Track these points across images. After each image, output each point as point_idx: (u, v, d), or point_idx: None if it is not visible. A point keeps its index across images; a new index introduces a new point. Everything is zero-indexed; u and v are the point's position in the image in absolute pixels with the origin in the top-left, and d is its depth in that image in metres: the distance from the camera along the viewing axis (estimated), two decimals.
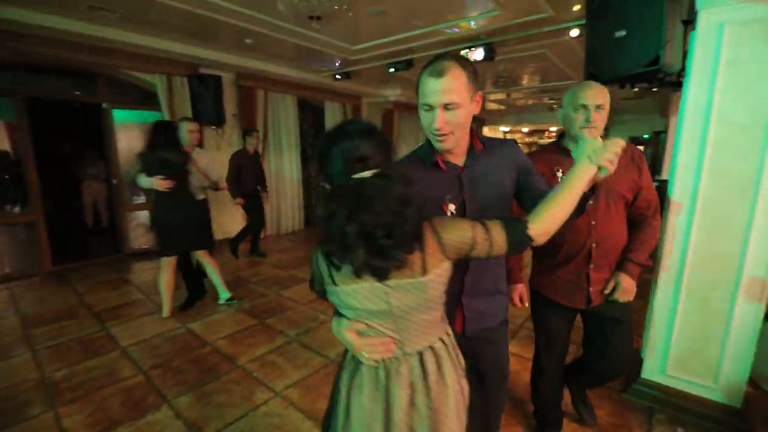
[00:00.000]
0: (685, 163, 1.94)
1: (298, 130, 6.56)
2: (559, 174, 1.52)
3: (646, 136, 11.02)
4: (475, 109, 1.08)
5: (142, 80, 4.71)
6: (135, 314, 3.29)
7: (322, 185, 0.86)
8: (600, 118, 1.43)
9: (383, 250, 0.81)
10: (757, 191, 1.76)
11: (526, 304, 1.71)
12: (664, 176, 5.53)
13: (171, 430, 1.95)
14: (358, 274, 0.85)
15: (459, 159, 1.15)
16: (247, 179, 4.77)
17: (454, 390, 0.95)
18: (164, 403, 2.15)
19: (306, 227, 6.87)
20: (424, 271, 0.86)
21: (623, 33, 1.87)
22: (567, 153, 1.56)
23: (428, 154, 1.15)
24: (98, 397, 2.20)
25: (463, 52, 4.29)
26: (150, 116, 4.80)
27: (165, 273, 3.12)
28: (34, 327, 3.06)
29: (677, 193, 1.96)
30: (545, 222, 0.92)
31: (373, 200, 0.79)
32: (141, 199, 5.46)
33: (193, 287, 3.48)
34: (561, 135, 1.64)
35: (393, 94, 7.27)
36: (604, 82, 2.08)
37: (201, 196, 3.32)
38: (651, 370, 2.13)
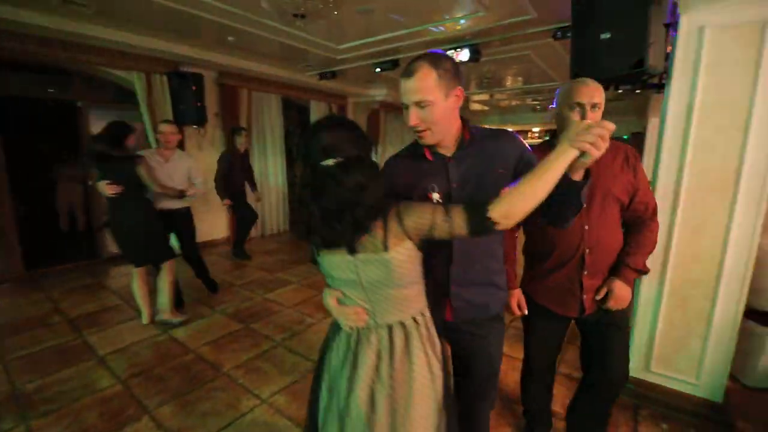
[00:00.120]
0: (667, 164, 1.98)
1: (282, 131, 6.47)
2: None
3: (625, 137, 11.32)
4: (454, 105, 1.10)
5: (120, 78, 4.56)
6: (113, 321, 3.17)
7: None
8: (596, 118, 1.35)
9: (339, 230, 0.93)
10: (737, 191, 1.81)
11: (525, 312, 1.58)
12: None
13: None
14: (326, 248, 1.00)
15: (449, 150, 1.18)
16: (236, 179, 4.69)
17: (420, 370, 1.00)
18: (145, 413, 2.07)
19: (291, 229, 6.78)
20: (386, 248, 0.95)
21: (608, 35, 1.89)
22: None
23: (417, 147, 1.20)
24: (74, 410, 2.10)
25: (448, 53, 4.30)
26: (128, 116, 4.65)
27: (134, 281, 3.01)
28: (5, 336, 2.91)
29: (659, 193, 1.99)
30: (509, 204, 0.89)
31: (329, 186, 0.92)
32: None
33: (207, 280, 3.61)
34: (554, 134, 1.57)
35: (379, 94, 7.25)
36: None
37: (169, 204, 3.12)
38: (636, 367, 2.16)
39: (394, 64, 4.93)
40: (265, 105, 6.09)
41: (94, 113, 5.10)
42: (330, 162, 0.92)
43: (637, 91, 3.34)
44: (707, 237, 1.91)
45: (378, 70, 5.08)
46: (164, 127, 3.12)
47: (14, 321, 3.16)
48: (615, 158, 1.46)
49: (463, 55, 4.24)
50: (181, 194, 3.11)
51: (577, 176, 1.00)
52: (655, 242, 1.52)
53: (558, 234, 1.44)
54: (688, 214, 1.94)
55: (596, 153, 0.88)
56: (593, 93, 1.35)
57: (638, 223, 1.52)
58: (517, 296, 1.57)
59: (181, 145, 4.91)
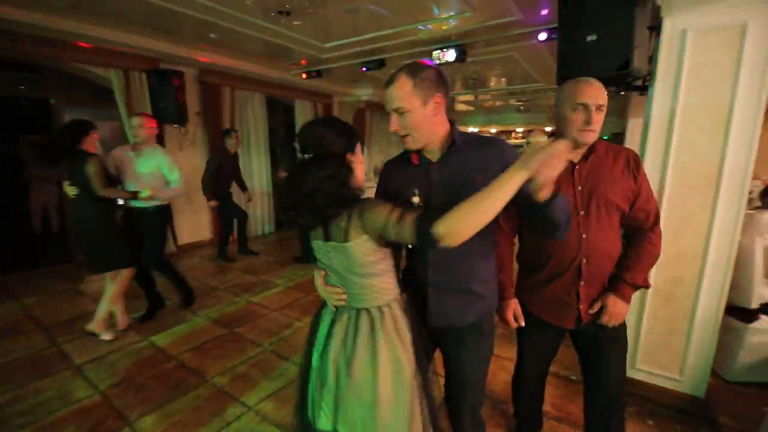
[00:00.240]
0: (651, 165, 2.01)
1: (267, 130, 6.36)
2: None
3: (605, 137, 11.59)
4: (434, 111, 1.13)
5: (97, 75, 4.39)
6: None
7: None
8: (600, 120, 1.28)
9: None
10: (718, 191, 1.85)
11: (522, 323, 1.50)
12: None
13: None
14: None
15: (435, 155, 1.21)
16: (224, 181, 4.61)
17: (383, 359, 1.08)
18: (125, 425, 1.99)
19: (277, 230, 6.67)
20: (346, 238, 1.06)
21: (594, 37, 1.90)
22: None
23: (407, 151, 1.25)
24: (50, 423, 2.00)
25: (435, 53, 4.30)
26: (106, 114, 4.49)
27: (107, 286, 2.88)
28: None
29: None
30: (454, 221, 0.91)
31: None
32: None
33: (152, 297, 3.24)
34: (551, 135, 1.50)
35: (365, 93, 7.21)
36: None
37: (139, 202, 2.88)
38: None
39: (380, 63, 4.91)
40: (249, 104, 5.97)
41: (70, 111, 4.91)
42: (305, 156, 1.07)
43: (622, 93, 3.40)
44: (690, 236, 1.95)
45: (364, 69, 5.04)
46: (133, 120, 2.95)
47: None
48: (615, 162, 1.37)
49: (450, 55, 4.25)
50: (133, 196, 2.79)
51: (543, 195, 0.96)
52: (657, 255, 1.41)
53: (554, 243, 1.38)
54: (671, 214, 1.97)
55: (551, 175, 0.87)
56: (598, 93, 1.28)
57: (638, 233, 1.42)
58: (513, 307, 1.49)
59: (161, 143, 4.79)
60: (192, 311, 3.37)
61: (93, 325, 2.84)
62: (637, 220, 1.39)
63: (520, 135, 13.26)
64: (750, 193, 1.96)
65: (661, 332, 2.09)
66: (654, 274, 2.04)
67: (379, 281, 1.13)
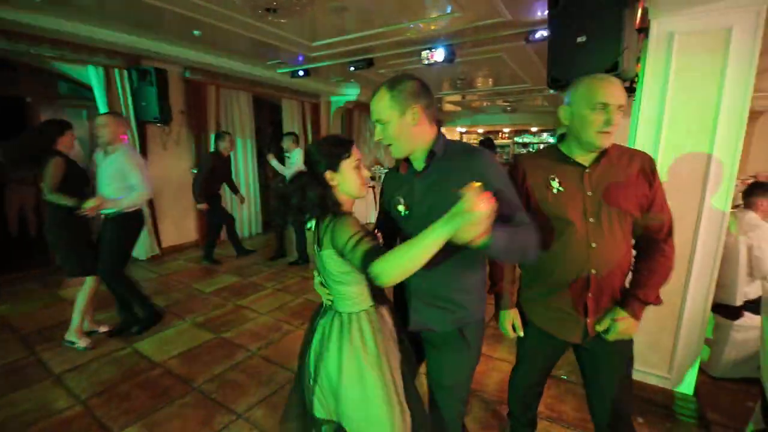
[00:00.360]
0: None
1: (253, 130, 6.24)
2: (555, 184, 1.30)
3: None
4: (411, 122, 1.15)
5: (76, 72, 4.24)
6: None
7: None
8: (619, 121, 1.18)
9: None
10: (705, 192, 1.88)
11: (521, 334, 1.47)
12: None
13: None
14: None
15: (420, 164, 1.23)
16: (215, 183, 4.55)
17: (348, 362, 1.16)
18: None
19: (264, 231, 6.57)
20: (321, 247, 1.18)
21: (584, 39, 1.91)
22: (566, 159, 1.31)
23: (400, 159, 1.27)
24: None
25: (423, 53, 4.29)
26: (86, 113, 4.34)
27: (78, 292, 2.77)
28: None
29: None
30: (386, 266, 0.98)
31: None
32: None
33: (126, 312, 3.00)
34: (560, 137, 1.39)
35: (353, 93, 7.16)
36: (566, 87, 2.14)
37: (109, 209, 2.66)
38: None
39: (369, 63, 4.87)
40: (235, 103, 5.86)
41: (47, 110, 4.74)
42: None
43: None
44: (677, 236, 1.94)
45: (352, 68, 5.00)
46: (97, 119, 2.77)
47: None
48: (629, 167, 1.27)
49: (438, 55, 4.24)
50: (77, 204, 2.50)
51: (474, 243, 0.93)
52: (671, 269, 1.31)
53: (561, 251, 1.30)
54: None
55: (470, 235, 0.87)
56: (620, 93, 1.19)
57: (650, 244, 1.31)
58: (512, 316, 1.46)
59: (143, 143, 4.66)
60: (178, 316, 3.29)
61: (70, 334, 2.74)
62: (650, 229, 1.30)
63: (507, 135, 13.41)
64: None
65: (650, 331, 2.12)
66: None
67: (348, 290, 1.20)
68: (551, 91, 7.31)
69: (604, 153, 1.27)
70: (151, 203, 4.89)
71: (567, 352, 1.53)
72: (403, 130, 1.16)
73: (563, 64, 2.02)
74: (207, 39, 4.31)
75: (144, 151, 4.72)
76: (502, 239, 0.98)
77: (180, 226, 5.42)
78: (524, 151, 13.28)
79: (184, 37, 4.26)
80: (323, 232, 1.15)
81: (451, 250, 0.99)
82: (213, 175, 4.49)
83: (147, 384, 2.34)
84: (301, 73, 5.43)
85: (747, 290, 2.31)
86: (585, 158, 1.29)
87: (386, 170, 1.39)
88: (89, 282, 2.74)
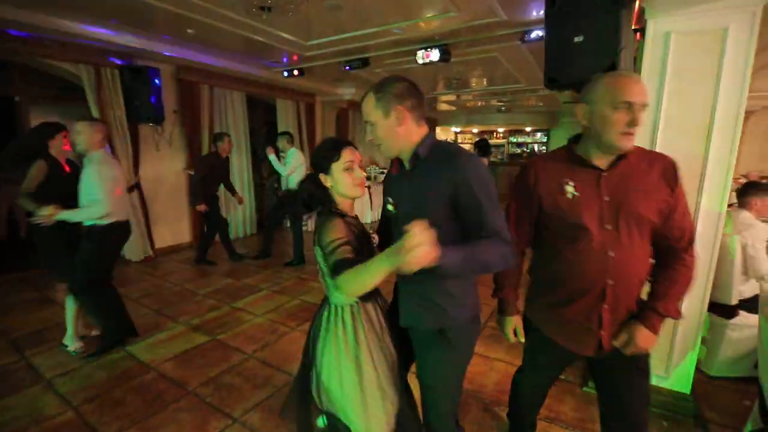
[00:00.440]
0: None
1: (247, 130, 6.19)
2: (570, 188, 1.21)
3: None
4: (396, 123, 1.18)
5: (66, 72, 4.16)
6: (60, 339, 2.83)
7: None
8: (642, 121, 1.11)
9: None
10: (701, 192, 1.89)
11: (522, 340, 1.45)
12: None
13: None
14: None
15: (408, 164, 1.25)
16: (213, 185, 4.49)
17: (331, 347, 1.26)
18: None
19: (259, 232, 6.52)
20: (317, 244, 1.23)
21: (581, 38, 1.90)
22: (581, 162, 1.23)
23: (393, 159, 1.32)
24: None
25: (419, 53, 4.28)
26: (76, 113, 4.26)
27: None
28: None
29: None
30: (344, 282, 1.04)
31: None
32: None
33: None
34: (575, 138, 1.30)
35: (348, 92, 7.13)
36: (564, 87, 2.13)
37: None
38: None
39: (364, 62, 4.85)
40: (229, 102, 5.81)
41: (37, 110, 4.66)
42: None
43: None
44: None
45: (347, 68, 4.98)
46: (74, 126, 2.57)
47: None
48: (650, 171, 1.18)
49: (434, 55, 4.24)
50: (31, 213, 2.42)
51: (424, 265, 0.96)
52: (692, 280, 1.23)
53: (575, 260, 1.23)
54: None
55: (413, 268, 0.88)
56: (644, 90, 1.11)
57: (670, 255, 1.23)
58: (514, 323, 1.44)
59: (135, 143, 4.60)
60: (172, 318, 3.24)
61: (66, 339, 2.71)
62: (671, 238, 1.21)
63: (501, 135, 13.45)
64: None
65: None
66: None
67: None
68: (543, 92, 7.38)
69: (622, 155, 1.18)
70: (143, 204, 4.84)
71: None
72: (389, 130, 1.19)
73: (560, 63, 2.01)
74: (200, 38, 4.27)
75: (136, 152, 4.67)
76: (453, 263, 0.99)
77: (173, 227, 5.36)
78: (518, 150, 13.33)
79: (177, 35, 4.21)
80: (317, 229, 1.23)
81: None
82: (211, 176, 4.43)
83: (140, 388, 2.30)
84: (296, 72, 5.41)
85: (742, 289, 2.32)
86: (602, 161, 1.20)
87: (381, 170, 1.44)
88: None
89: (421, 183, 1.18)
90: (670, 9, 1.87)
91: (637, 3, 1.93)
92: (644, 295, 1.30)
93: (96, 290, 2.65)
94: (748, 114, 7.11)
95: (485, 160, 5.17)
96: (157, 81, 4.47)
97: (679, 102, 1.90)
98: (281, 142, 4.66)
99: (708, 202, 1.88)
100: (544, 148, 12.83)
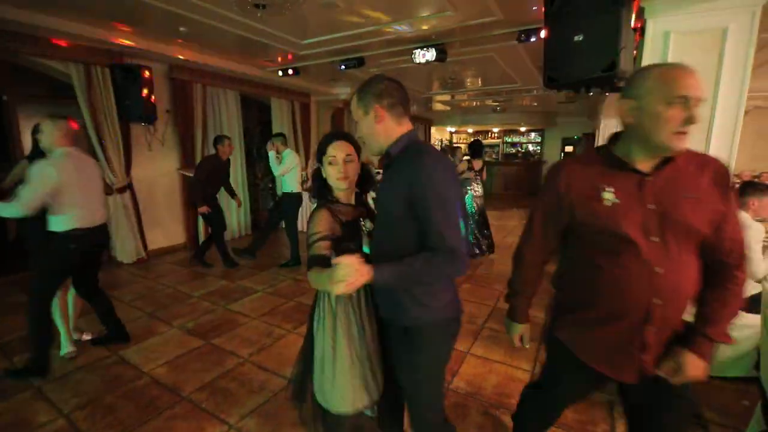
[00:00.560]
0: None
1: (241, 129, 6.12)
2: (609, 195, 1.07)
3: (576, 137, 11.96)
4: (374, 121, 1.23)
5: (55, 70, 4.08)
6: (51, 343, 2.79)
7: None
8: (699, 117, 0.99)
9: None
10: None
11: (527, 346, 1.40)
12: None
13: None
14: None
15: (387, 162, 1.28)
16: (212, 187, 4.43)
17: (319, 326, 1.39)
18: None
19: (253, 233, 6.46)
20: None
21: (581, 37, 1.89)
22: (621, 165, 1.08)
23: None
24: None
25: (415, 52, 4.26)
26: (66, 112, 4.18)
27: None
28: None
29: None
30: (311, 279, 1.22)
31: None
32: None
33: (108, 323, 2.79)
34: (613, 137, 1.15)
35: (343, 92, 7.09)
36: (563, 86, 2.12)
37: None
38: None
39: (360, 62, 4.81)
40: (222, 102, 5.73)
41: (25, 109, 4.56)
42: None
43: (606, 94, 3.44)
44: None
45: (343, 67, 4.94)
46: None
47: None
48: (700, 175, 1.05)
49: (430, 54, 4.21)
50: None
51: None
52: (742, 301, 1.11)
53: (616, 275, 1.08)
54: None
55: (344, 292, 1.01)
56: (700, 84, 0.98)
57: (720, 272, 1.09)
58: (522, 331, 1.39)
59: (126, 142, 4.52)
60: (165, 322, 3.18)
61: (62, 343, 2.65)
62: (722, 252, 1.07)
63: (496, 134, 13.50)
64: None
65: None
66: None
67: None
68: (538, 92, 7.40)
69: (669, 158, 1.04)
70: (136, 205, 4.76)
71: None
72: (370, 128, 1.24)
73: (560, 63, 2.00)
74: (194, 36, 4.20)
75: (128, 152, 4.59)
76: (384, 282, 1.10)
77: (167, 228, 5.29)
78: (513, 150, 13.38)
79: (169, 33, 4.14)
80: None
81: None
82: (211, 178, 4.36)
83: (133, 394, 2.25)
84: (291, 71, 5.36)
85: None
86: (646, 164, 1.06)
87: (377, 170, 1.52)
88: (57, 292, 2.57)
89: (389, 181, 1.23)
90: (669, 9, 1.87)
91: (636, 2, 1.93)
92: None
93: (44, 304, 2.44)
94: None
95: (479, 162, 5.12)
96: (149, 80, 4.39)
97: None
98: (276, 144, 4.60)
99: None
100: (538, 148, 12.90)
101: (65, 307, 2.67)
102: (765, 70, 4.56)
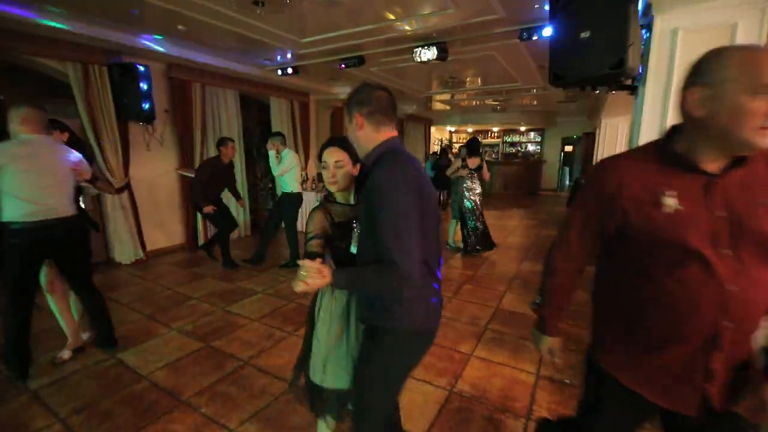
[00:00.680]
0: None
1: (241, 129, 6.08)
2: (670, 200, 0.91)
3: (575, 136, 11.95)
4: (356, 127, 1.27)
5: (52, 69, 4.03)
6: (47, 346, 2.74)
7: None
8: None
9: None
10: None
11: (556, 360, 1.27)
12: None
13: None
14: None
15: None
16: (215, 189, 4.38)
17: (323, 316, 1.48)
18: None
19: (253, 233, 6.42)
20: None
21: (588, 34, 1.86)
22: (685, 165, 0.92)
23: None
24: None
25: (416, 51, 4.22)
26: (64, 112, 4.13)
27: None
28: None
29: None
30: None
31: None
32: None
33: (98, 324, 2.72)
34: (672, 131, 0.97)
35: (343, 91, 7.05)
36: (569, 84, 2.09)
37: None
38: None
39: (360, 60, 4.78)
40: (221, 101, 5.69)
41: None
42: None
43: (610, 92, 3.38)
44: None
45: (342, 66, 4.90)
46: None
47: None
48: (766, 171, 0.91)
49: (431, 53, 4.18)
50: None
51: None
52: None
53: (677, 292, 0.92)
54: None
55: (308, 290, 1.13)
56: None
57: None
58: (551, 344, 1.24)
59: (124, 142, 4.47)
60: (164, 324, 3.14)
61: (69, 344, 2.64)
62: None
63: (495, 134, 13.47)
64: None
65: None
66: None
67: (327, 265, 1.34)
68: (538, 91, 7.37)
69: (741, 157, 0.89)
70: (134, 205, 4.72)
71: (570, 352, 1.46)
72: (353, 135, 1.31)
73: (566, 60, 1.97)
74: (192, 34, 4.16)
75: (126, 151, 4.54)
76: (339, 284, 1.19)
77: (165, 229, 5.25)
78: (512, 150, 13.35)
79: (167, 32, 4.10)
80: None
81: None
82: (213, 180, 4.32)
83: (131, 399, 2.21)
84: (290, 70, 5.32)
85: None
86: (714, 164, 0.90)
87: None
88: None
89: (364, 188, 1.25)
90: (677, 5, 1.83)
91: None
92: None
93: (13, 303, 2.34)
94: None
95: (475, 160, 5.07)
96: (147, 79, 4.34)
97: None
98: (276, 144, 4.55)
99: None
100: (538, 147, 12.88)
101: (66, 309, 2.62)
102: None
